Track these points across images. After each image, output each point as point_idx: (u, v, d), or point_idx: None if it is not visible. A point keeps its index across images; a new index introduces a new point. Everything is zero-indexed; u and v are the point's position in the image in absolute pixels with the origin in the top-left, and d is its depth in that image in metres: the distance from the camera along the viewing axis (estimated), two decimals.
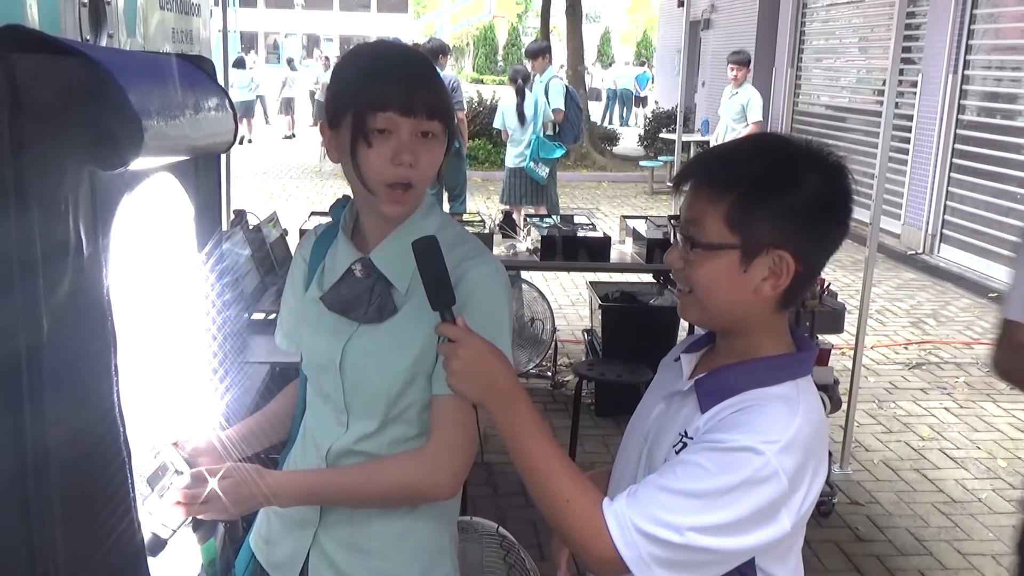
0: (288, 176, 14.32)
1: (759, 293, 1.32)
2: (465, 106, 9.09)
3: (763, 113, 8.98)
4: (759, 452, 1.22)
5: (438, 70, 7.24)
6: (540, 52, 8.50)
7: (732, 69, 9.09)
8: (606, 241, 5.09)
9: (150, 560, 1.37)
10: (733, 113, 9.08)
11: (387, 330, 1.57)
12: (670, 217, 5.24)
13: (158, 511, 1.50)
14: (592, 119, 17.60)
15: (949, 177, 9.51)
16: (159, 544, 1.48)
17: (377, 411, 1.58)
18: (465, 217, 5.75)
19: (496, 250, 5.05)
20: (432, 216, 1.63)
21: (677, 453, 1.33)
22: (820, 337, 4.18)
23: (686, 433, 1.35)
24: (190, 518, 1.53)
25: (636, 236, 5.23)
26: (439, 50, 8.88)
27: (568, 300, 7.58)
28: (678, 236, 1.38)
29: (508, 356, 1.51)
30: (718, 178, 1.33)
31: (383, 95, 1.46)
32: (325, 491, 1.60)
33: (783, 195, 1.29)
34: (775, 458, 1.22)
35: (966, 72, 9.34)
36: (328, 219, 1.77)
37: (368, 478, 1.58)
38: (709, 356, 1.47)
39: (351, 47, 1.74)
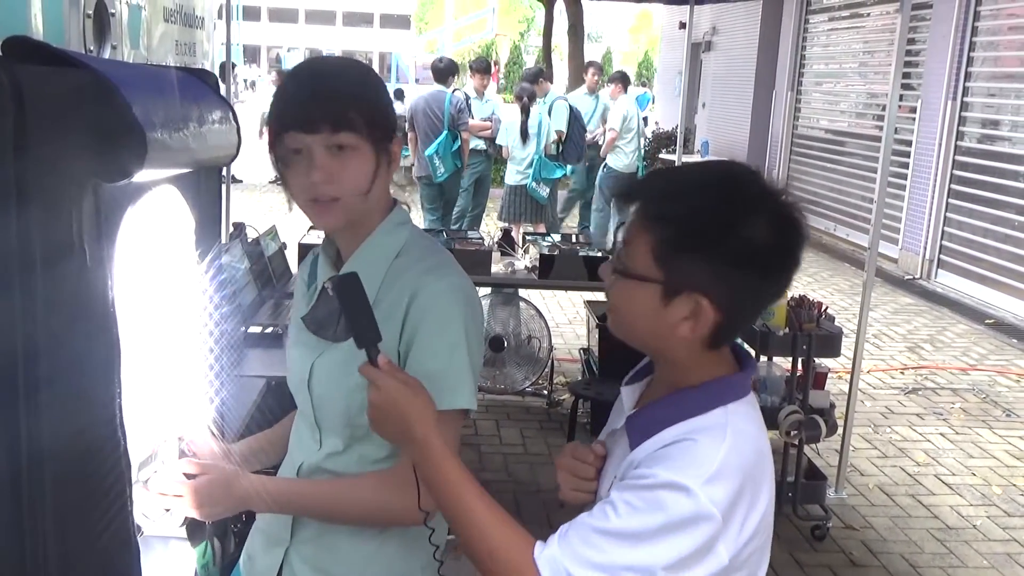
0: None
1: (677, 332, 1.25)
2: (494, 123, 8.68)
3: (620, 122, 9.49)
4: (682, 487, 1.17)
5: (452, 89, 7.00)
6: (536, 76, 8.56)
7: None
8: (604, 260, 5.07)
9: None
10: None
11: (346, 349, 1.52)
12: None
13: (139, 499, 1.52)
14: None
15: (947, 203, 9.54)
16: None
17: (342, 430, 1.59)
18: (470, 235, 5.73)
19: (494, 267, 5.05)
20: (399, 231, 1.60)
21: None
22: (817, 360, 4.19)
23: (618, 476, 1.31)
24: (181, 516, 1.57)
25: None
26: (451, 69, 8.53)
27: (565, 319, 7.57)
28: (615, 251, 1.32)
29: (467, 374, 1.52)
30: (655, 209, 1.25)
31: (285, 116, 1.49)
32: (295, 501, 1.60)
33: (715, 241, 1.21)
34: (702, 491, 1.17)
35: (965, 99, 9.38)
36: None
37: (340, 494, 1.58)
38: (651, 386, 1.42)
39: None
